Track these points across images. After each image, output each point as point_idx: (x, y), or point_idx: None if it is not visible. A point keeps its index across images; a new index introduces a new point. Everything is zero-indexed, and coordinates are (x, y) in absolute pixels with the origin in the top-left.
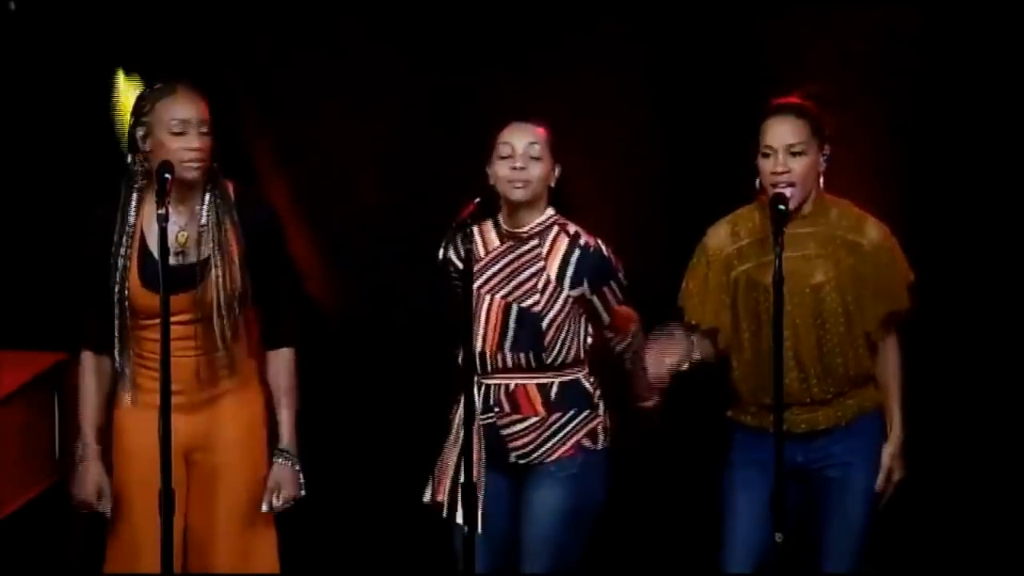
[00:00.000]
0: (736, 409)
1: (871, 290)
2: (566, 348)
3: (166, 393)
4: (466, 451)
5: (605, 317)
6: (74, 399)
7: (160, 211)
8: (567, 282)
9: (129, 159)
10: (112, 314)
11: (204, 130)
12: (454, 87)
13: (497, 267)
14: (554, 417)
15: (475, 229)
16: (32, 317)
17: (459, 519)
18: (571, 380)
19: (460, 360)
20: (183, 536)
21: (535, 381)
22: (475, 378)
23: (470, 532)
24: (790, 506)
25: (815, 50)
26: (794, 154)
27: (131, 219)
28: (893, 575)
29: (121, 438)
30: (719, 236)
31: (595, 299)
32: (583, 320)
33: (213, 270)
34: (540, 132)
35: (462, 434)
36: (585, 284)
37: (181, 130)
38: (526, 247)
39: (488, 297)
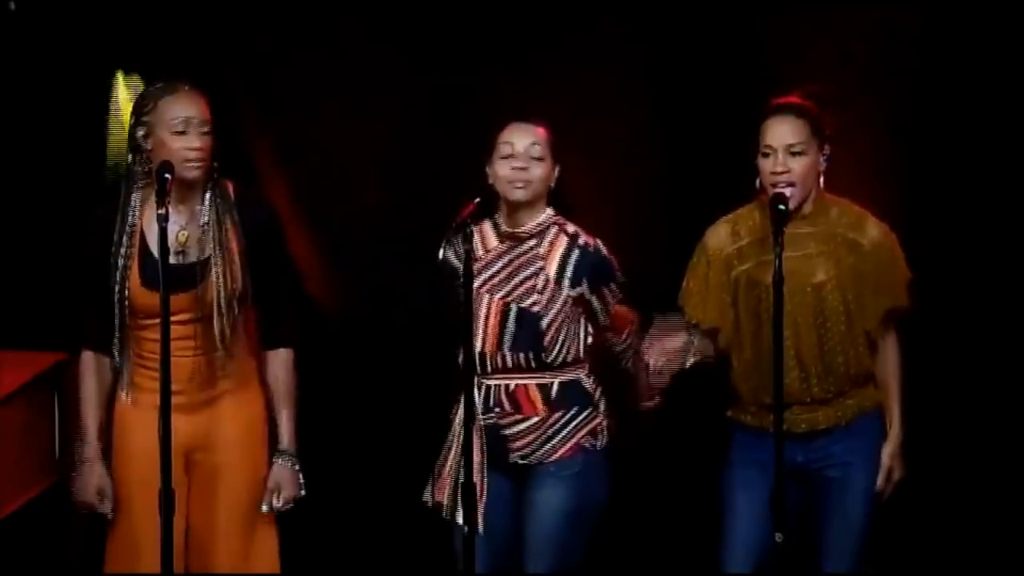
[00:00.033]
0: (736, 409)
1: (871, 288)
2: (566, 348)
3: (166, 393)
4: (466, 451)
5: (603, 317)
6: (74, 399)
7: (160, 211)
8: (566, 282)
9: (130, 158)
10: (112, 314)
11: (205, 129)
12: (454, 87)
13: (496, 267)
14: (555, 417)
15: (474, 229)
16: (32, 317)
17: (459, 519)
18: (571, 379)
19: (460, 360)
20: (184, 536)
21: (535, 381)
22: (475, 378)
23: (470, 532)
24: (790, 506)
25: (815, 50)
26: (794, 154)
27: (131, 218)
28: (893, 575)
29: (121, 438)
30: (719, 236)
31: (594, 299)
32: (582, 320)
33: (214, 269)
34: (541, 132)
35: (462, 434)
36: (584, 284)
37: (183, 129)
38: (525, 247)
39: (487, 297)
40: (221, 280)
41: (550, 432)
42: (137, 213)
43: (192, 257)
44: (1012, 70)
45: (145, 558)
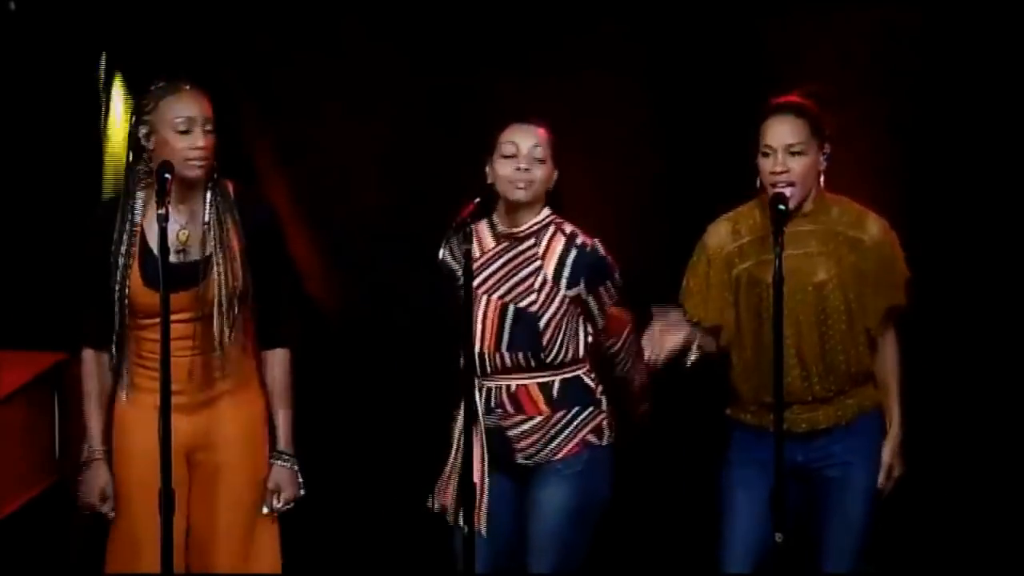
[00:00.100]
0: (735, 407)
1: (872, 285)
2: (565, 347)
3: (166, 393)
4: (467, 451)
5: (599, 319)
6: (74, 399)
7: (160, 211)
8: (564, 282)
9: (131, 157)
10: (113, 314)
11: (208, 128)
12: (454, 87)
13: (493, 267)
14: (558, 415)
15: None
16: (32, 317)
17: (462, 522)
18: (572, 377)
19: (461, 362)
20: (184, 536)
21: (536, 380)
22: (476, 380)
23: (470, 531)
24: (789, 505)
25: (815, 50)
26: (793, 154)
27: (132, 218)
28: (893, 575)
29: (122, 438)
30: (719, 234)
31: (590, 299)
32: (581, 319)
33: (215, 267)
34: (542, 134)
35: (463, 437)
36: (582, 284)
37: (186, 128)
38: (522, 247)
39: (484, 298)
40: (222, 278)
41: (553, 431)
42: (139, 212)
43: (193, 256)
44: (1012, 70)
45: (145, 557)
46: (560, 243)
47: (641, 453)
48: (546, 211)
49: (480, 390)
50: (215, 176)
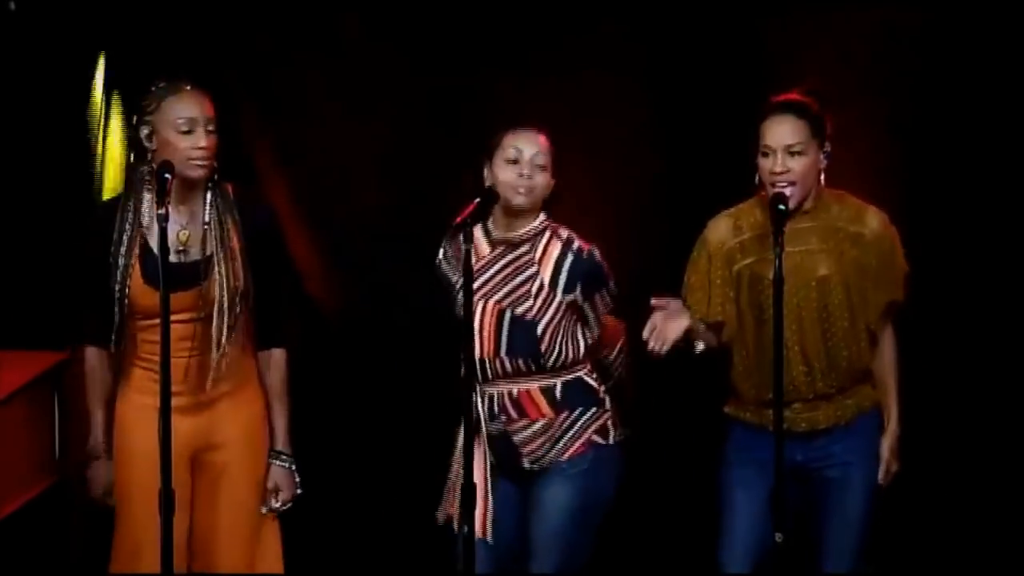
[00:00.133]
0: (735, 406)
1: (872, 280)
2: (564, 350)
3: (166, 393)
4: (467, 453)
5: (594, 326)
6: (74, 399)
7: (160, 211)
8: (560, 287)
9: (132, 158)
10: (113, 313)
11: (211, 128)
12: (454, 87)
13: (490, 273)
14: (562, 417)
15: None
16: (32, 317)
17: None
18: (574, 379)
19: (462, 370)
20: (186, 537)
21: (537, 384)
22: (477, 387)
23: (470, 532)
24: (789, 505)
25: (815, 50)
26: (793, 154)
27: (134, 217)
28: (893, 575)
29: (122, 439)
30: (720, 230)
31: (586, 306)
32: (578, 322)
33: (216, 267)
34: (544, 142)
35: (464, 441)
36: (578, 290)
37: (188, 128)
38: (518, 252)
39: (482, 303)
40: (223, 279)
41: (559, 433)
42: (146, 213)
43: (194, 256)
44: (1012, 70)
45: (146, 559)
46: (556, 248)
47: (641, 453)
48: (542, 216)
49: (482, 397)
50: (216, 177)
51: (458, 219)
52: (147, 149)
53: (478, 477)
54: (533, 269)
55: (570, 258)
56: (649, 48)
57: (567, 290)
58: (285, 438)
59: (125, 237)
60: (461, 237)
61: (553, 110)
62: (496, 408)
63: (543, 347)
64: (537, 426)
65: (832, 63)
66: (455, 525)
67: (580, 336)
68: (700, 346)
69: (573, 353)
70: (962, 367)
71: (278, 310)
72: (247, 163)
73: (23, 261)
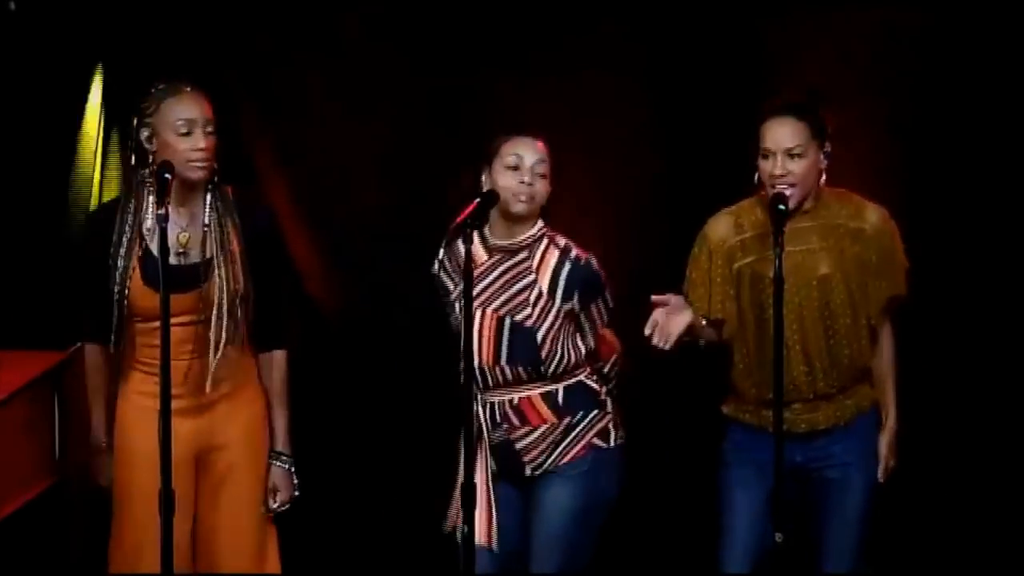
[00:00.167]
0: (734, 405)
1: (873, 275)
2: (564, 357)
3: (166, 394)
4: (467, 455)
5: (590, 338)
6: (74, 399)
7: (159, 211)
8: (559, 295)
9: (132, 159)
10: (112, 313)
11: (210, 129)
12: (454, 87)
13: (488, 280)
14: (564, 421)
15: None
16: (32, 317)
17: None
18: (575, 383)
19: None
20: (188, 538)
21: (538, 391)
22: (478, 395)
23: (469, 532)
24: (789, 506)
25: (815, 50)
26: (793, 156)
27: (133, 219)
28: (893, 575)
29: (123, 439)
30: (721, 227)
31: (582, 316)
32: (576, 330)
33: (217, 269)
34: (543, 148)
35: (465, 445)
36: (575, 298)
37: (188, 130)
38: (516, 259)
39: (480, 311)
40: (223, 281)
41: (560, 436)
42: (148, 215)
43: (194, 258)
44: (1012, 70)
45: (147, 560)
46: (554, 256)
47: (640, 453)
48: (539, 224)
49: (484, 405)
50: (216, 179)
51: (458, 220)
52: (147, 151)
53: (480, 486)
54: (531, 277)
55: (568, 266)
56: (649, 48)
57: (565, 298)
58: (285, 439)
59: (125, 239)
60: (460, 239)
61: (553, 110)
62: (498, 416)
63: (543, 354)
64: (539, 432)
65: (832, 63)
66: (459, 535)
67: (580, 341)
68: (703, 340)
69: (574, 358)
70: (962, 367)
71: (278, 312)
72: (247, 163)
73: (23, 261)
